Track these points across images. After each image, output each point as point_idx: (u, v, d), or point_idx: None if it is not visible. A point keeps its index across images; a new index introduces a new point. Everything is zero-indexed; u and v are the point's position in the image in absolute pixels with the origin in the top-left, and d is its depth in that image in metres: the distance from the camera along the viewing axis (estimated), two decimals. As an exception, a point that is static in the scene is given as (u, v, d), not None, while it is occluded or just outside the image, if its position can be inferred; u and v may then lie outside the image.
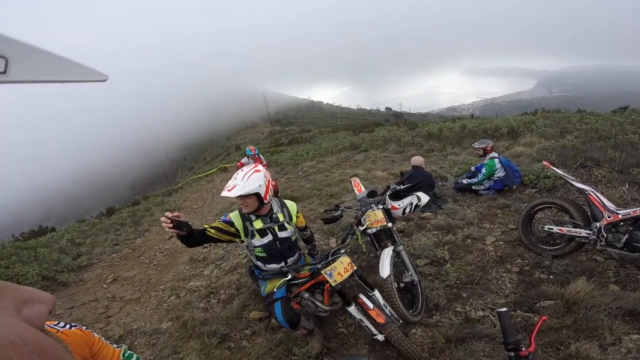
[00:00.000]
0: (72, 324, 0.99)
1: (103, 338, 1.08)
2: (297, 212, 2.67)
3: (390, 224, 3.03)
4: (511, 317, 2.63)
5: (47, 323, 0.92)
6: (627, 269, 3.00)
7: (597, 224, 2.99)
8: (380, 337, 2.27)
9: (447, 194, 5.46)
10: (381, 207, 3.10)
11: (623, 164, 5.01)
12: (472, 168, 5.53)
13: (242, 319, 3.36)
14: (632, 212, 2.80)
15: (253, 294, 3.71)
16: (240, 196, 2.22)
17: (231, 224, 2.37)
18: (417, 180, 3.64)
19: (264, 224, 2.43)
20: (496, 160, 5.08)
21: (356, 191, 3.72)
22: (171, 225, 1.94)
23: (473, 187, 5.25)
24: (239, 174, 2.30)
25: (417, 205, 3.21)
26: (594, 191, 3.08)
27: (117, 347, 1.10)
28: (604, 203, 2.99)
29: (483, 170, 5.11)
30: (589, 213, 3.12)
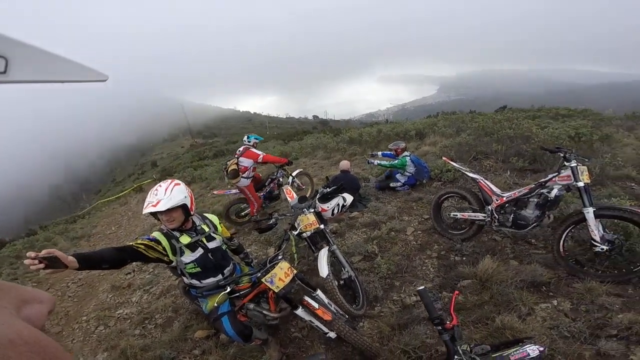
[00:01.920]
0: None
1: None
2: (220, 223, 2.66)
3: (322, 226, 3.18)
4: (439, 298, 2.94)
5: None
6: (520, 245, 3.51)
7: (489, 207, 3.46)
8: (332, 335, 2.32)
9: (370, 193, 5.90)
10: (312, 210, 3.25)
11: (505, 154, 6.09)
12: (387, 172, 6.12)
13: (188, 340, 3.16)
14: (512, 195, 3.30)
15: (193, 314, 3.51)
16: (166, 211, 2.13)
17: (157, 242, 2.23)
18: (340, 182, 3.92)
19: (191, 238, 2.35)
20: (407, 158, 5.71)
21: (289, 199, 3.82)
22: (43, 265, 1.54)
23: (391, 185, 5.81)
24: (159, 189, 2.21)
25: (343, 206, 3.47)
26: (484, 179, 3.61)
27: None
28: (492, 189, 3.50)
29: (395, 162, 5.70)
30: (482, 198, 3.61)
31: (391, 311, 2.97)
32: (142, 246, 2.13)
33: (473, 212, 3.68)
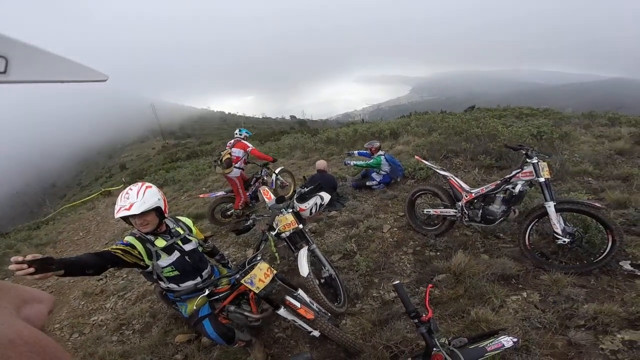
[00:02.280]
0: None
1: None
2: (194, 225, 2.63)
3: (301, 226, 3.21)
4: (416, 293, 3.01)
5: None
6: (489, 239, 3.65)
7: (459, 204, 3.59)
8: (316, 333, 2.32)
9: (347, 192, 5.98)
10: (290, 210, 3.26)
11: (473, 152, 6.36)
12: (363, 171, 6.23)
13: (169, 345, 3.07)
14: (480, 191, 3.45)
15: (172, 319, 3.42)
16: (140, 214, 2.07)
17: (132, 246, 2.16)
18: (317, 182, 3.95)
19: (167, 241, 2.30)
20: (382, 158, 5.84)
21: (266, 199, 3.81)
22: (32, 270, 1.42)
23: (367, 184, 5.92)
24: (130, 192, 2.13)
25: (321, 205, 3.50)
26: (454, 176, 3.75)
27: None
28: (461, 185, 3.64)
29: (371, 161, 5.82)
30: (452, 195, 3.74)
31: (372, 308, 3.02)
32: (119, 251, 2.06)
33: (445, 208, 3.81)
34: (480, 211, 3.43)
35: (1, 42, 0.43)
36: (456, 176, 3.81)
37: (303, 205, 3.39)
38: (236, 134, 6.02)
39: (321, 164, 5.82)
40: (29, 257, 1.45)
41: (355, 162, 5.97)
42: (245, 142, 5.86)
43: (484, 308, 2.56)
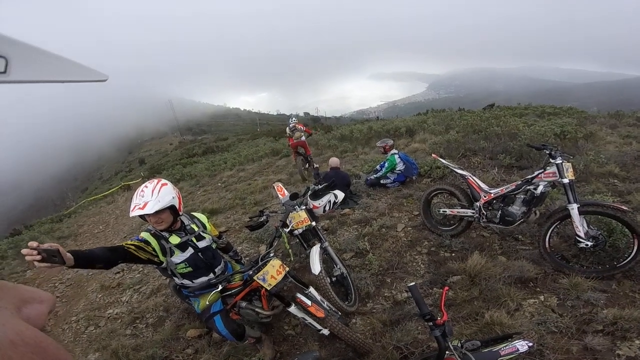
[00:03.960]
0: None
1: None
2: (208, 222, 2.64)
3: (314, 223, 3.19)
4: (429, 294, 2.97)
5: None
6: (507, 241, 3.57)
7: (477, 204, 3.49)
8: (326, 332, 2.31)
9: (361, 190, 5.93)
10: (304, 207, 3.25)
11: (492, 151, 6.20)
12: (377, 167, 6.17)
13: (180, 339, 3.12)
14: (500, 191, 3.35)
15: (185, 313, 3.48)
16: (154, 213, 2.09)
17: (147, 242, 2.19)
18: (332, 179, 3.93)
19: (181, 238, 2.32)
20: (396, 156, 5.76)
21: (280, 196, 3.81)
22: (39, 257, 1.50)
23: (381, 182, 5.85)
24: (145, 190, 2.14)
25: (335, 202, 3.48)
26: (472, 176, 3.65)
27: None
28: (480, 185, 3.54)
29: (385, 165, 5.77)
30: (470, 195, 3.65)
31: (383, 307, 2.99)
32: (133, 247, 2.08)
33: (462, 208, 3.73)
34: (499, 212, 3.34)
35: (1, 42, 0.43)
36: (474, 175, 3.72)
37: (316, 203, 3.37)
38: (293, 119, 8.55)
39: (334, 161, 5.79)
40: (45, 246, 1.53)
41: (375, 176, 5.92)
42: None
43: (498, 311, 2.50)
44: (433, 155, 4.42)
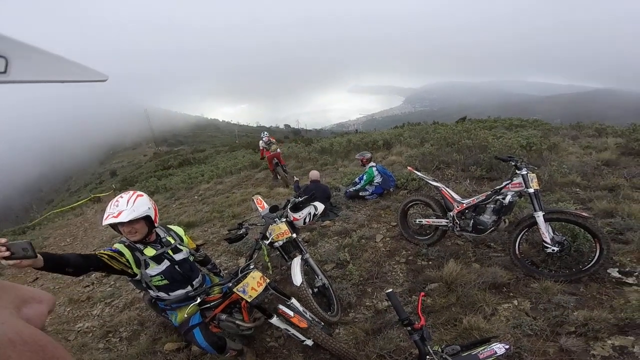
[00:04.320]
0: None
1: None
2: (185, 234, 2.61)
3: (294, 235, 3.21)
4: (409, 302, 3.02)
5: None
6: (480, 249, 3.70)
7: (451, 214, 3.63)
8: (309, 342, 2.31)
9: (340, 202, 6.00)
10: (284, 220, 3.26)
11: (464, 163, 6.46)
12: (357, 179, 6.29)
13: (157, 353, 2.99)
14: (471, 201, 3.50)
15: (161, 327, 3.35)
16: (128, 222, 2.04)
17: (120, 254, 2.13)
18: (312, 192, 3.97)
19: (156, 250, 2.27)
20: (374, 169, 5.90)
21: (259, 208, 3.79)
22: (8, 253, 1.43)
23: (360, 194, 5.96)
24: (120, 200, 2.11)
25: (315, 215, 3.51)
26: (445, 187, 3.81)
27: None
28: (453, 196, 3.69)
29: (364, 177, 5.90)
30: (444, 205, 3.79)
31: (365, 317, 3.02)
32: (106, 256, 2.02)
33: (437, 218, 3.85)
34: (472, 221, 3.47)
35: (1, 42, 0.43)
36: (448, 187, 3.86)
37: (297, 215, 3.39)
38: (265, 134, 9.44)
39: (315, 174, 5.87)
40: (11, 241, 1.46)
41: (354, 188, 6.04)
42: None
43: (475, 316, 2.57)
44: (409, 167, 4.56)
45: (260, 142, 9.44)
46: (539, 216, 2.96)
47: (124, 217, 2.01)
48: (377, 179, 5.88)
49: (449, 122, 16.32)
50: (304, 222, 3.44)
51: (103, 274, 4.39)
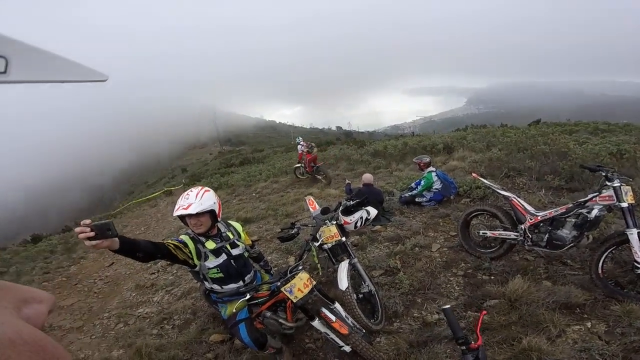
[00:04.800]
0: None
1: None
2: (243, 230, 2.72)
3: (344, 238, 3.16)
4: (463, 317, 2.85)
5: None
6: (554, 265, 3.38)
7: (522, 226, 3.34)
8: (347, 349, 2.29)
9: (394, 207, 5.80)
10: (334, 222, 3.23)
11: (539, 172, 5.81)
12: (413, 184, 6.00)
13: (202, 343, 3.18)
14: (548, 214, 3.19)
15: (211, 317, 3.55)
16: (195, 215, 2.21)
17: (185, 244, 2.30)
18: (364, 196, 3.88)
19: (216, 243, 2.41)
20: (433, 174, 5.58)
21: (311, 209, 3.82)
22: (92, 234, 1.55)
23: (416, 200, 5.68)
24: (190, 194, 2.29)
25: (367, 219, 3.42)
26: (516, 197, 3.49)
27: None
28: (525, 207, 3.38)
29: (422, 183, 5.59)
30: (514, 217, 3.49)
31: (411, 328, 2.91)
32: (172, 245, 2.19)
33: (504, 230, 3.58)
34: (547, 235, 3.18)
35: (1, 42, 0.43)
36: (519, 197, 3.56)
37: (348, 219, 3.34)
38: (300, 138, 10.88)
39: (368, 177, 5.73)
40: (95, 222, 1.60)
41: (410, 193, 5.77)
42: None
43: (538, 337, 2.38)
44: (473, 174, 4.23)
45: (299, 146, 10.23)
46: (633, 234, 2.63)
47: (193, 209, 2.18)
48: (437, 185, 5.55)
49: (520, 126, 14.83)
50: (355, 227, 3.38)
51: (167, 262, 4.80)
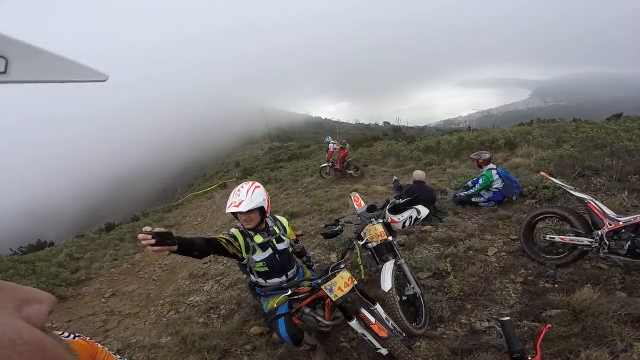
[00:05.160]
0: (77, 335, 0.99)
1: (106, 348, 1.07)
2: (289, 225, 2.74)
3: (390, 238, 3.04)
4: (517, 327, 2.65)
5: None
6: (632, 275, 3.00)
7: (599, 232, 2.99)
8: (384, 351, 2.24)
9: (447, 206, 5.47)
10: (381, 221, 3.11)
11: (621, 171, 5.05)
12: (469, 183, 5.57)
13: (243, 334, 3.31)
14: (632, 219, 2.81)
15: (254, 309, 3.67)
16: (246, 212, 2.27)
17: (235, 238, 2.39)
18: (415, 194, 3.66)
19: (264, 238, 2.46)
20: (493, 172, 5.12)
21: (356, 206, 3.73)
22: (153, 241, 1.67)
23: (473, 200, 5.27)
24: (241, 190, 2.35)
25: (417, 219, 3.23)
26: (594, 200, 3.10)
27: (120, 358, 1.09)
28: (604, 211, 3.01)
29: (480, 181, 5.16)
30: (589, 221, 3.13)
31: (456, 334, 2.75)
32: (224, 240, 2.30)
33: (576, 235, 3.21)
34: (629, 243, 2.84)
35: (1, 42, 0.43)
36: (596, 199, 3.14)
37: (396, 217, 3.19)
38: (330, 138, 10.68)
39: (419, 174, 5.44)
40: (156, 229, 1.71)
41: (466, 192, 5.39)
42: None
43: (600, 350, 2.18)
44: (541, 173, 3.79)
45: (331, 144, 10.14)
46: None
47: (243, 207, 2.24)
48: (497, 184, 5.09)
49: (597, 120, 13.03)
50: (403, 226, 3.21)
51: None
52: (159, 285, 5.66)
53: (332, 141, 10.30)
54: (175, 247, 1.84)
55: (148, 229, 1.69)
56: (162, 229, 1.73)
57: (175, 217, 12.00)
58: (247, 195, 2.29)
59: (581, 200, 3.17)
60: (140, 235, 1.70)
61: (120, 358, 1.10)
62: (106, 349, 1.06)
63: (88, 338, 1.01)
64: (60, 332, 0.97)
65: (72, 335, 0.97)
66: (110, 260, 7.37)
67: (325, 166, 10.33)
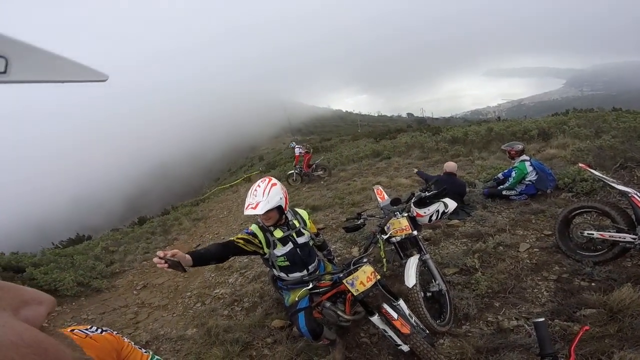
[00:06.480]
0: (104, 329, 1.03)
1: (132, 343, 1.10)
2: (309, 219, 2.74)
3: (415, 232, 2.96)
4: (548, 327, 2.51)
5: (79, 327, 0.94)
6: None
7: None
8: (405, 348, 2.20)
9: (475, 200, 5.28)
10: (406, 214, 3.04)
11: (669, 163, 4.66)
12: (500, 175, 5.33)
13: (265, 327, 3.36)
14: None
15: (276, 302, 3.72)
16: (264, 212, 2.29)
17: (254, 235, 2.44)
18: (443, 187, 3.54)
19: (283, 232, 2.48)
20: (527, 164, 4.87)
21: (379, 199, 3.67)
22: (167, 265, 1.82)
23: (504, 193, 5.04)
24: (258, 190, 2.35)
25: (444, 212, 3.13)
26: (638, 193, 2.91)
27: (145, 352, 1.12)
28: None
29: (513, 174, 4.91)
30: (633, 217, 2.94)
31: (481, 332, 2.66)
32: (242, 241, 2.36)
33: (617, 232, 3.02)
34: None
35: (1, 42, 0.43)
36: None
37: (422, 211, 3.09)
38: (294, 144, 10.96)
39: (451, 165, 5.25)
40: (169, 255, 1.84)
41: (501, 186, 5.16)
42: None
43: (634, 353, 2.07)
44: (580, 164, 3.56)
45: (296, 149, 10.51)
46: None
47: (260, 210, 2.26)
48: (531, 177, 4.84)
49: (638, 110, 12.09)
50: (429, 220, 3.12)
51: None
52: (187, 277, 5.86)
53: (297, 146, 10.61)
54: (189, 262, 1.97)
55: (161, 254, 1.82)
56: (174, 259, 1.86)
57: (202, 210, 12.36)
58: (264, 196, 2.29)
59: (624, 193, 2.98)
60: (155, 260, 1.83)
61: (145, 351, 1.13)
62: (132, 343, 1.10)
63: (115, 332, 1.05)
64: (89, 326, 1.00)
65: (99, 330, 1.00)
66: (142, 254, 7.66)
67: (292, 173, 10.53)
